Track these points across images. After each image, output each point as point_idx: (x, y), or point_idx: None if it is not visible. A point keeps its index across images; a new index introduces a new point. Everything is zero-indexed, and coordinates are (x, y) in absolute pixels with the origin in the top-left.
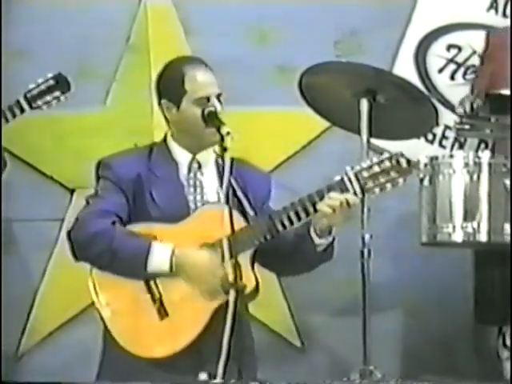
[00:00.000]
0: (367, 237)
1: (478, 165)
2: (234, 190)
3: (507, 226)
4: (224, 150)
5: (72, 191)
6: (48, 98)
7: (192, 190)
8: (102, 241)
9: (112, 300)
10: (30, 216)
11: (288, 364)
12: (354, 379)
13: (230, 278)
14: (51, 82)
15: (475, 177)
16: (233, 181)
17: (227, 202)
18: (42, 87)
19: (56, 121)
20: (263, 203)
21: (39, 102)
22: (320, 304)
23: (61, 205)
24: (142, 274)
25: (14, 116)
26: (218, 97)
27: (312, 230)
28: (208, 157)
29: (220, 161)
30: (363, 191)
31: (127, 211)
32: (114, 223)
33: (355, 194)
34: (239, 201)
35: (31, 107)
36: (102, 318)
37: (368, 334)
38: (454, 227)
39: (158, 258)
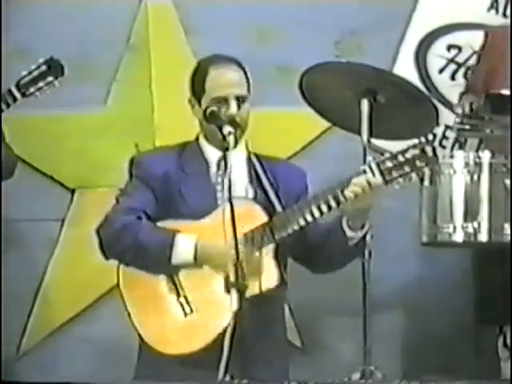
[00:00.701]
0: (368, 237)
1: (479, 165)
2: (262, 187)
3: (507, 226)
4: (226, 149)
5: (72, 191)
6: (41, 83)
7: (220, 187)
8: (128, 235)
9: (138, 298)
10: (31, 216)
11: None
12: (354, 379)
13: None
14: (43, 68)
15: (476, 177)
16: (263, 177)
17: (230, 200)
18: (34, 73)
19: (56, 121)
20: (297, 199)
21: (32, 89)
22: (320, 304)
23: (61, 205)
24: (166, 267)
25: (8, 106)
26: (239, 98)
27: (344, 222)
28: (238, 154)
29: (253, 158)
30: (386, 182)
31: (155, 208)
32: (139, 218)
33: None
34: (268, 197)
35: (24, 95)
36: (129, 316)
37: (368, 334)
38: (454, 227)
39: (183, 249)
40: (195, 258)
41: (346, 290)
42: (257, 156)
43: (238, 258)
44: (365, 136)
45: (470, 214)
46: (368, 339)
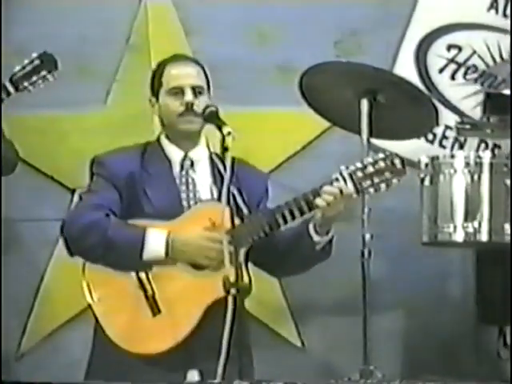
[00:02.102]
0: (368, 237)
1: (479, 165)
2: (227, 188)
3: (508, 226)
4: (225, 149)
5: (72, 191)
6: (34, 78)
7: (184, 187)
8: (97, 231)
9: (105, 297)
10: (31, 216)
11: (288, 364)
12: (354, 379)
13: (232, 278)
14: (37, 62)
15: (476, 177)
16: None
17: (228, 201)
18: (28, 68)
19: (56, 121)
20: (259, 202)
21: (25, 83)
22: (320, 304)
23: (61, 205)
24: (137, 263)
25: (1, 100)
26: (195, 89)
27: (311, 227)
28: (201, 154)
29: (214, 158)
30: (358, 191)
31: (120, 207)
32: (107, 215)
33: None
34: (234, 199)
35: (17, 89)
36: (94, 315)
37: (368, 334)
38: (454, 227)
39: (154, 244)
40: (167, 253)
41: (346, 289)
42: (218, 156)
43: (236, 259)
44: (365, 136)
45: (471, 213)
46: (367, 339)
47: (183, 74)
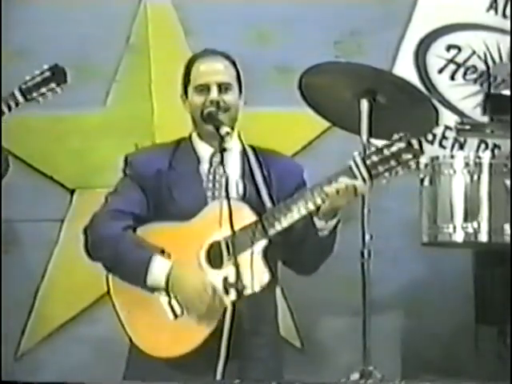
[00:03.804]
0: (367, 237)
1: (479, 165)
2: (255, 182)
3: (507, 227)
4: (223, 150)
5: (72, 191)
6: (43, 89)
7: (211, 184)
8: (109, 246)
9: (127, 299)
10: (31, 216)
11: (288, 364)
12: (354, 379)
13: (231, 279)
14: (47, 74)
15: (476, 177)
16: (257, 172)
17: (228, 201)
18: (38, 79)
19: (56, 121)
20: (291, 195)
21: (34, 94)
22: (320, 304)
23: (61, 205)
24: (142, 286)
25: (10, 109)
26: (221, 86)
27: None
28: (231, 147)
29: (248, 150)
30: (371, 177)
31: (145, 208)
32: (125, 228)
33: (364, 180)
34: (259, 194)
35: (26, 99)
36: (118, 318)
37: (368, 335)
38: (454, 227)
39: (156, 275)
40: (167, 287)
41: (345, 289)
42: (253, 149)
43: (235, 258)
44: (364, 136)
45: (470, 214)
46: (367, 339)
47: (210, 71)
